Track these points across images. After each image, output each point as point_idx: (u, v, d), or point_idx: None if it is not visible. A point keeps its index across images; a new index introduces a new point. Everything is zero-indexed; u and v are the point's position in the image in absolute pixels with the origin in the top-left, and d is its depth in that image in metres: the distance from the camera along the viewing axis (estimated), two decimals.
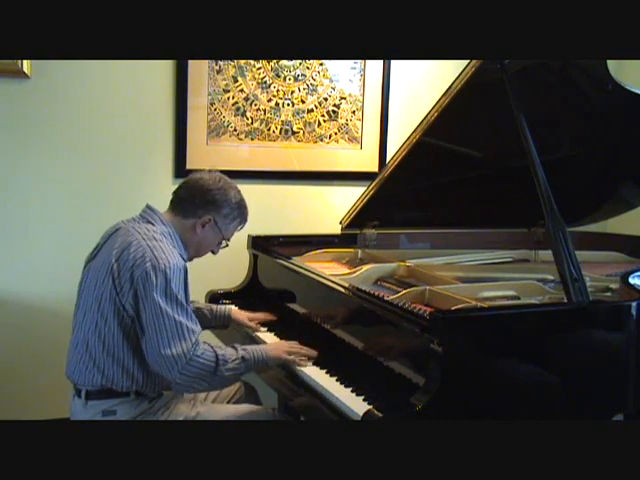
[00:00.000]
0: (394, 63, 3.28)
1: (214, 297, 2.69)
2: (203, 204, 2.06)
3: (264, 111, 3.15)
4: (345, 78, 3.24)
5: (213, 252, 2.17)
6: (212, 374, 1.90)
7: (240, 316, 2.43)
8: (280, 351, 2.06)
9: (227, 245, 2.18)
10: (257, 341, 2.30)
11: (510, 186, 2.56)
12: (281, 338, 2.28)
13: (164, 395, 2.05)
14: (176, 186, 2.13)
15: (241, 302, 2.64)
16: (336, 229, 2.78)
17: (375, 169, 3.27)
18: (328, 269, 2.50)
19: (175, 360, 1.87)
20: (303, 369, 2.02)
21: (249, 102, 3.12)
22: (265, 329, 2.41)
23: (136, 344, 1.94)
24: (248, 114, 3.13)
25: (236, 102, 3.11)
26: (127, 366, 1.95)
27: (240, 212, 2.13)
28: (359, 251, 2.80)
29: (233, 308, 2.49)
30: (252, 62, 3.10)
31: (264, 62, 3.12)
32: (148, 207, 2.09)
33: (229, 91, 3.09)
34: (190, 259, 2.12)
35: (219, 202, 2.07)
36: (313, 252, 2.76)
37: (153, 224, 2.03)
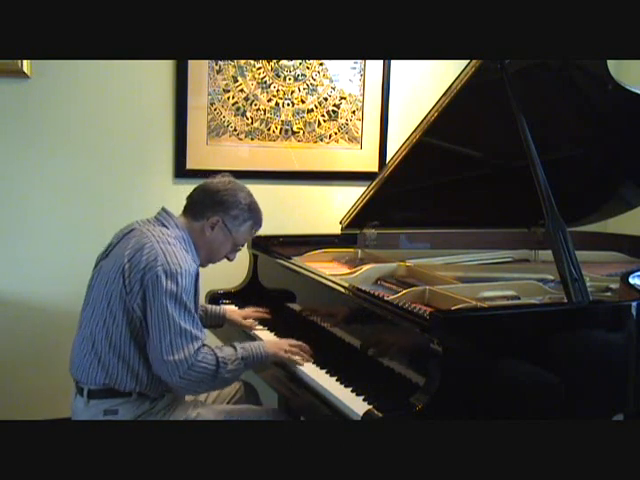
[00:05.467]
0: (394, 63, 3.28)
1: (214, 297, 2.69)
2: (211, 205, 2.06)
3: (264, 111, 3.15)
4: (345, 78, 3.24)
5: (228, 258, 2.16)
6: (213, 377, 1.92)
7: (235, 315, 2.43)
8: (278, 348, 2.07)
9: (239, 249, 2.16)
10: (254, 339, 2.30)
11: (510, 186, 2.56)
12: (281, 338, 2.28)
13: (166, 396, 2.04)
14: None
15: (241, 302, 2.63)
16: (336, 229, 2.78)
17: (375, 169, 3.27)
18: (328, 269, 2.50)
19: (176, 366, 1.88)
20: (303, 369, 2.02)
21: (249, 102, 3.12)
22: (262, 327, 2.41)
23: (143, 345, 1.94)
24: (248, 114, 3.13)
25: (236, 102, 3.11)
26: (132, 366, 1.95)
27: (251, 215, 2.11)
28: (359, 251, 2.80)
29: (228, 308, 2.48)
30: (252, 62, 3.10)
31: (264, 62, 3.12)
32: (164, 210, 2.09)
33: (229, 91, 3.09)
34: (203, 265, 2.12)
35: (227, 203, 2.07)
36: (313, 252, 2.75)
37: (167, 227, 2.03)
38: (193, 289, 1.96)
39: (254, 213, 2.13)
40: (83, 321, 2.02)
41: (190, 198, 2.12)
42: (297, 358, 2.05)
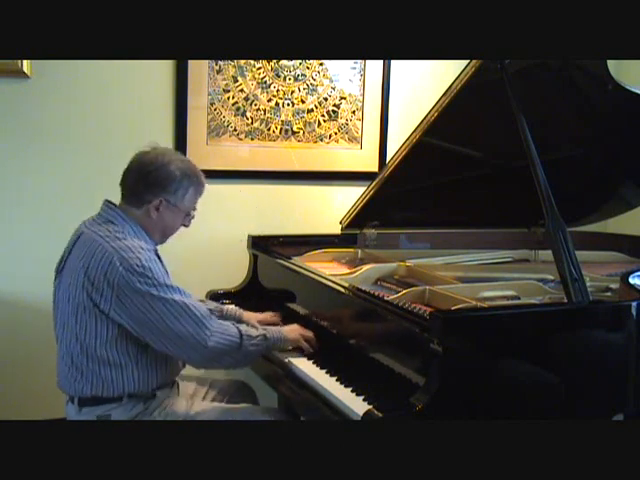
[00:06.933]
0: (394, 63, 3.28)
1: (214, 297, 2.68)
2: (147, 189, 1.99)
3: (264, 111, 3.15)
4: (345, 78, 3.24)
5: (185, 225, 2.10)
6: (237, 349, 1.95)
7: (252, 320, 2.36)
8: (297, 333, 2.14)
9: (193, 216, 2.10)
10: None
11: (510, 186, 2.56)
12: None
13: (157, 395, 2.03)
14: None
15: (241, 302, 2.63)
16: (336, 229, 2.78)
17: (375, 169, 3.26)
18: (328, 269, 2.50)
19: (195, 338, 1.89)
20: (303, 369, 2.02)
21: (249, 102, 3.12)
22: None
23: (123, 347, 1.93)
24: (248, 114, 3.12)
25: (236, 102, 3.11)
26: (116, 369, 1.94)
27: (190, 181, 2.02)
28: (359, 251, 2.80)
29: (244, 311, 2.44)
30: (252, 62, 3.10)
31: (264, 62, 3.12)
32: (106, 204, 2.04)
33: (229, 91, 3.09)
34: (162, 242, 2.08)
35: (163, 181, 1.99)
36: (313, 252, 2.75)
37: (114, 223, 1.99)
38: (162, 268, 1.95)
39: (192, 178, 2.03)
40: (57, 338, 2.02)
41: (124, 184, 2.04)
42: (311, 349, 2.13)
